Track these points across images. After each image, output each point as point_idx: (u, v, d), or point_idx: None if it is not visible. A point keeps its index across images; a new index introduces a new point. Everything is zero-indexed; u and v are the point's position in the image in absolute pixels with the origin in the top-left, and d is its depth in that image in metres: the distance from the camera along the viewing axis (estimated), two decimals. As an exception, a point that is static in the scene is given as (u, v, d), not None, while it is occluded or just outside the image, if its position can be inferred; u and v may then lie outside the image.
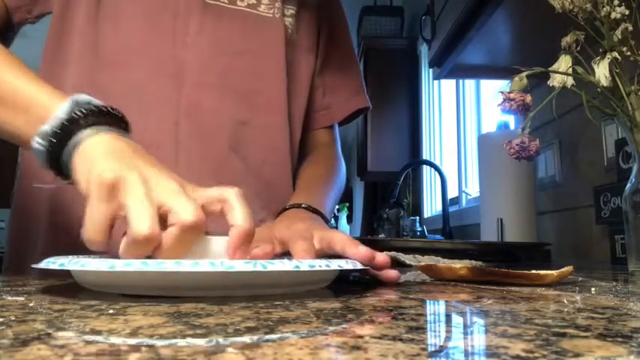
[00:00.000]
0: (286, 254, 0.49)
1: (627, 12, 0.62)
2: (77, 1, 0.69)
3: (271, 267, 0.33)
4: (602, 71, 0.62)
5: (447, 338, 0.22)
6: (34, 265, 0.37)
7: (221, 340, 0.20)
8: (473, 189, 2.23)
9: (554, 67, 0.66)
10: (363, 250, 0.43)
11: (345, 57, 0.91)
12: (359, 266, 0.41)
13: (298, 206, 0.65)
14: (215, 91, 0.70)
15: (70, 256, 0.39)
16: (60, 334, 0.21)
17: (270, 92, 0.76)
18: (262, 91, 0.75)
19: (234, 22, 0.72)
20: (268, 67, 0.75)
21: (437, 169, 2.19)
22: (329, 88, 0.88)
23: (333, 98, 0.88)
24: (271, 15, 0.75)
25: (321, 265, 0.37)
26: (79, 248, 0.63)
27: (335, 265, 0.38)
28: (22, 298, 0.32)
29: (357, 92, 0.91)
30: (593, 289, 0.41)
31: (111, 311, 0.27)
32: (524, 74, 0.65)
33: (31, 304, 0.30)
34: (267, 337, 0.20)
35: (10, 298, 0.33)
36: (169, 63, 0.68)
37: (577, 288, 0.42)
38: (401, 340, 0.20)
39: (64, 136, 0.41)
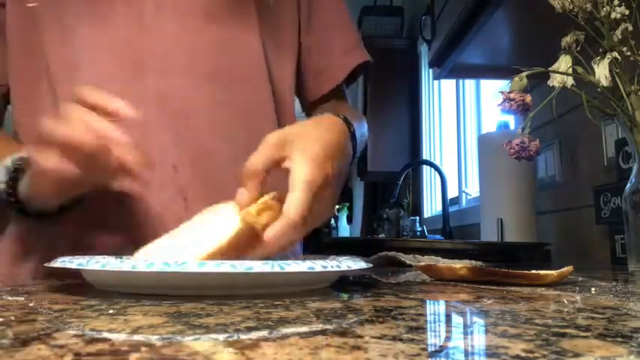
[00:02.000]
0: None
1: (627, 12, 0.62)
2: (14, 16, 0.66)
3: (272, 269, 0.33)
4: (602, 71, 0.62)
5: (447, 338, 0.22)
6: (46, 264, 0.38)
7: (221, 340, 0.20)
8: (473, 189, 2.23)
9: (554, 67, 0.66)
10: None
11: (335, 11, 0.84)
12: (363, 266, 0.41)
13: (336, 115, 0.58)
14: (183, 74, 0.66)
15: (86, 257, 0.39)
16: (60, 334, 0.21)
17: (245, 66, 0.70)
18: (237, 66, 0.70)
19: None
20: (240, 38, 0.70)
21: (437, 169, 2.19)
22: (323, 47, 0.81)
23: (329, 58, 0.82)
24: None
25: (333, 266, 0.36)
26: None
27: (344, 266, 0.37)
28: (22, 298, 0.32)
29: (354, 46, 0.84)
30: (593, 289, 0.41)
31: (111, 311, 0.27)
32: (524, 74, 0.65)
33: (31, 304, 0.30)
34: (267, 337, 0.20)
35: (10, 298, 0.33)
36: (128, 52, 0.64)
37: (577, 288, 0.42)
38: (401, 340, 0.20)
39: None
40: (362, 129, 0.70)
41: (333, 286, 0.42)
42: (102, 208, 0.62)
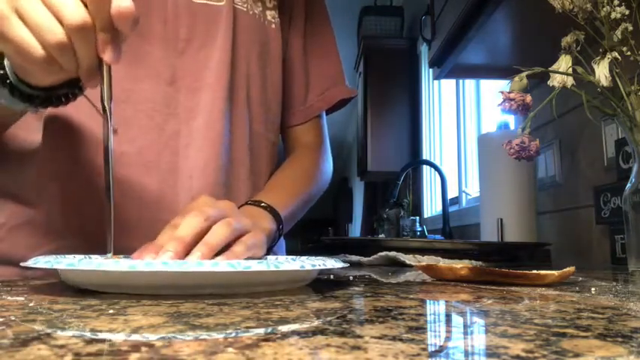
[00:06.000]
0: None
1: (627, 12, 0.62)
2: None
3: (245, 267, 0.34)
4: (602, 71, 0.62)
5: (447, 338, 0.22)
6: (22, 264, 0.38)
7: (221, 340, 0.20)
8: (473, 189, 2.23)
9: (554, 67, 0.66)
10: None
11: (324, 43, 0.88)
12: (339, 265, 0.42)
13: (257, 204, 0.64)
14: (210, 90, 0.69)
15: (56, 256, 0.40)
16: (60, 334, 0.21)
17: (272, 85, 0.76)
18: (260, 84, 0.75)
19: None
20: (212, 59, 0.71)
21: (437, 169, 2.19)
22: (306, 78, 0.85)
23: (310, 90, 0.86)
24: (222, 3, 0.71)
25: (320, 264, 0.37)
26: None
27: (319, 264, 0.39)
28: (22, 298, 0.32)
29: (335, 83, 0.87)
30: (593, 289, 0.41)
31: (111, 311, 0.27)
32: (524, 74, 0.65)
33: (31, 304, 0.30)
34: (267, 337, 0.20)
35: (10, 298, 0.33)
36: (164, 69, 0.67)
37: (577, 288, 0.42)
38: (401, 340, 0.20)
39: None
40: (303, 197, 0.75)
41: (332, 286, 0.42)
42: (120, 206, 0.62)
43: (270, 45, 0.78)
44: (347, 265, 0.44)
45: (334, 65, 0.89)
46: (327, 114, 0.89)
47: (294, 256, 0.50)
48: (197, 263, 0.33)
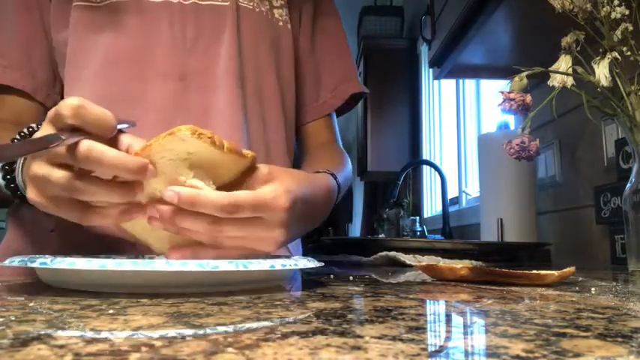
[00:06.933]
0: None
1: (627, 12, 0.62)
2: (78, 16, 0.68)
3: (223, 267, 0.34)
4: (602, 71, 0.62)
5: (447, 338, 0.22)
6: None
7: (221, 340, 0.20)
8: (473, 189, 2.23)
9: (554, 67, 0.67)
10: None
11: (333, 39, 0.87)
12: (311, 265, 0.42)
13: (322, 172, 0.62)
14: (221, 90, 0.69)
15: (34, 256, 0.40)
16: (60, 334, 0.21)
17: (283, 80, 0.76)
18: (270, 84, 0.75)
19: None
20: (219, 56, 0.71)
21: (437, 169, 2.19)
22: (317, 75, 0.85)
23: (322, 87, 0.85)
24: (227, 3, 0.72)
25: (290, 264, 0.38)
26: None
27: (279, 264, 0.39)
28: (22, 298, 0.32)
29: (347, 78, 0.86)
30: (593, 289, 0.41)
31: (111, 311, 0.27)
32: (524, 74, 0.65)
33: (31, 304, 0.30)
34: (267, 337, 0.20)
35: (10, 298, 0.33)
36: (174, 69, 0.68)
37: (577, 288, 0.42)
38: (401, 340, 0.20)
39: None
40: (345, 175, 0.72)
41: (332, 286, 0.42)
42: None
43: (280, 40, 0.78)
44: (322, 264, 0.44)
45: (345, 61, 0.88)
46: (338, 115, 0.88)
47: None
48: (166, 262, 0.34)
